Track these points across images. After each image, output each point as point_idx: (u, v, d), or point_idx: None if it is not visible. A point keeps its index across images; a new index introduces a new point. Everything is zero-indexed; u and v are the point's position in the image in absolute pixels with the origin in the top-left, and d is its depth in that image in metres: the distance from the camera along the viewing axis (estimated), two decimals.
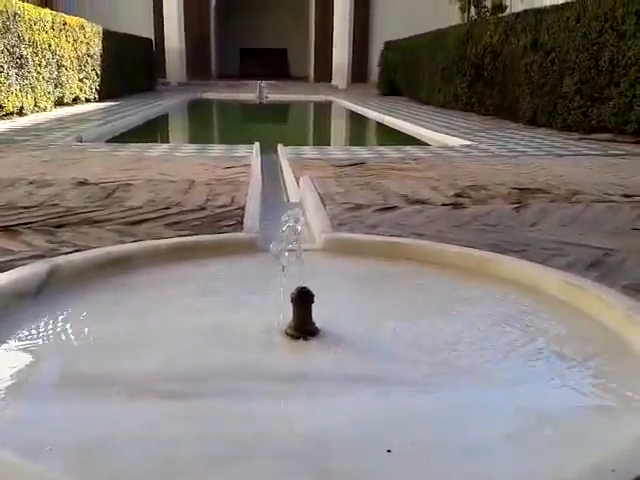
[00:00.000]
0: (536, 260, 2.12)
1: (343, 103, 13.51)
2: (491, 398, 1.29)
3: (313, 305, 1.47)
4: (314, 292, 1.47)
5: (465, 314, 1.68)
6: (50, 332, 1.53)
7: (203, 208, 3.00)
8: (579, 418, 1.23)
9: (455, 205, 3.15)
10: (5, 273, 1.76)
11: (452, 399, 1.27)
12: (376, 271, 2.02)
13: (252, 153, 5.08)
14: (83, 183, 3.57)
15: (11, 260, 2.11)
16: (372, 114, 10.62)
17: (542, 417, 1.20)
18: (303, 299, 1.46)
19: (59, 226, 2.60)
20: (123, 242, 2.32)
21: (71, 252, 2.15)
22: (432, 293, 1.86)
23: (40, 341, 1.49)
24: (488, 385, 1.33)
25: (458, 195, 3.41)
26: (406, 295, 1.85)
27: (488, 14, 15.70)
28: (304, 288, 1.46)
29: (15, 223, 2.63)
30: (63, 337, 1.51)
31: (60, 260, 1.89)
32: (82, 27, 10.74)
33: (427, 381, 1.33)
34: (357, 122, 10.97)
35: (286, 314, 1.49)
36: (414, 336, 1.54)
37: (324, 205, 3.04)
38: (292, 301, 1.47)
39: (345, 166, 4.46)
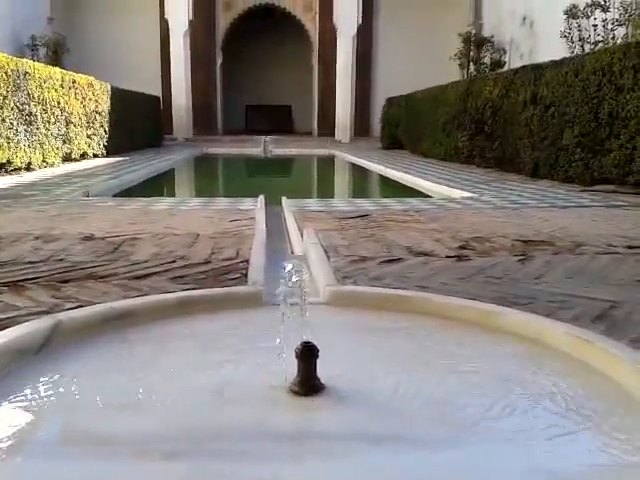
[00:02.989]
0: (542, 313, 2.11)
1: (346, 157, 13.69)
2: (499, 456, 1.26)
3: (318, 360, 1.46)
4: (319, 347, 1.45)
5: (471, 369, 1.66)
6: (52, 389, 1.51)
7: (208, 261, 3.01)
8: (591, 477, 1.20)
9: (459, 257, 3.15)
10: (8, 330, 1.75)
11: (459, 457, 1.24)
12: (381, 325, 2.01)
13: (257, 206, 5.13)
14: (89, 238, 3.59)
15: (16, 316, 2.11)
16: (375, 167, 10.76)
17: (554, 476, 1.17)
18: (308, 354, 1.45)
19: (64, 281, 2.61)
20: (127, 297, 2.32)
21: (75, 307, 2.14)
22: (438, 347, 1.84)
23: (42, 399, 1.47)
24: (496, 443, 1.30)
25: (462, 247, 3.41)
26: (411, 349, 1.83)
27: (487, 70, 16.08)
28: (308, 343, 1.45)
29: (21, 278, 2.64)
30: (66, 394, 1.49)
31: (63, 316, 1.89)
32: (91, 85, 11.03)
33: (434, 439, 1.30)
34: (360, 175, 11.10)
35: (290, 370, 1.47)
36: (420, 392, 1.51)
37: (328, 258, 3.04)
38: (297, 356, 1.45)
39: (349, 218, 4.49)
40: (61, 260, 3.00)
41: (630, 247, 3.43)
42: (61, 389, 1.52)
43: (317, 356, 1.45)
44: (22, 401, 1.46)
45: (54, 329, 1.76)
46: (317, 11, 20.93)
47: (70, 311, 2.02)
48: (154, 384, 1.57)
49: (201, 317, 2.04)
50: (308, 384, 1.45)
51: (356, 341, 1.92)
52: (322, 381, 1.47)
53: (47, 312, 2.12)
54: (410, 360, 1.74)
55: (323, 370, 1.47)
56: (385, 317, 2.05)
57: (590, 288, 2.56)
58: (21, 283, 2.56)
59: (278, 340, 1.50)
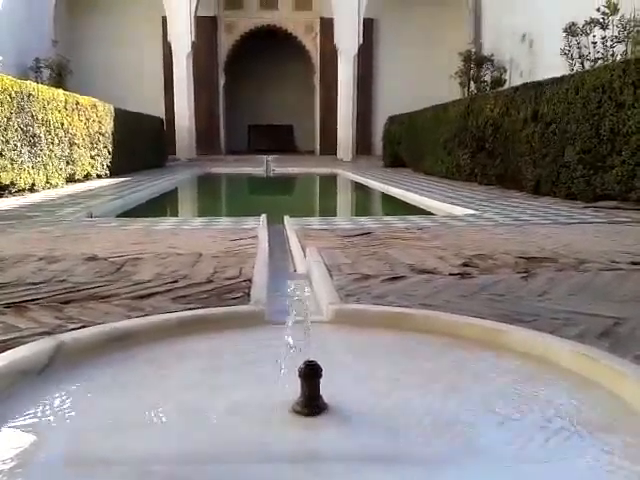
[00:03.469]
0: (546, 330, 2.10)
1: (348, 175, 13.74)
2: (503, 477, 1.25)
3: (321, 379, 1.45)
4: (322, 366, 1.45)
5: (476, 387, 1.65)
6: (55, 411, 1.51)
7: (210, 281, 3.01)
8: None
9: (462, 275, 3.15)
10: (10, 351, 1.75)
11: (464, 478, 1.23)
12: (385, 343, 2.00)
13: (259, 225, 5.13)
14: (92, 258, 3.60)
15: (19, 337, 2.10)
16: (377, 185, 10.78)
17: None
18: (311, 374, 1.44)
19: (67, 302, 2.61)
20: (130, 317, 2.32)
21: (77, 328, 2.14)
22: (442, 365, 1.83)
23: (45, 420, 1.47)
24: (500, 463, 1.29)
25: (465, 264, 3.41)
26: (415, 368, 1.82)
27: (488, 88, 16.18)
28: (312, 362, 1.45)
29: (23, 299, 2.64)
30: (68, 416, 1.49)
31: (66, 337, 1.88)
32: (94, 106, 11.12)
33: (440, 460, 1.29)
34: (362, 193, 11.13)
35: (293, 389, 1.46)
36: (425, 411, 1.50)
37: (331, 276, 3.04)
38: (300, 376, 1.45)
39: (351, 236, 4.49)
40: (63, 281, 3.00)
41: (634, 263, 3.42)
42: (64, 410, 1.51)
43: (320, 376, 1.44)
44: (24, 422, 1.45)
45: (57, 350, 1.76)
46: (318, 32, 21.16)
47: (73, 332, 2.02)
48: (156, 405, 1.56)
49: (203, 337, 2.03)
50: (311, 404, 1.44)
51: (359, 360, 1.91)
52: (325, 400, 1.47)
53: (49, 333, 2.12)
54: (415, 379, 1.73)
55: (326, 389, 1.46)
56: (389, 335, 2.04)
57: (594, 305, 2.55)
58: (23, 304, 2.56)
59: (281, 359, 1.49)
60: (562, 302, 2.60)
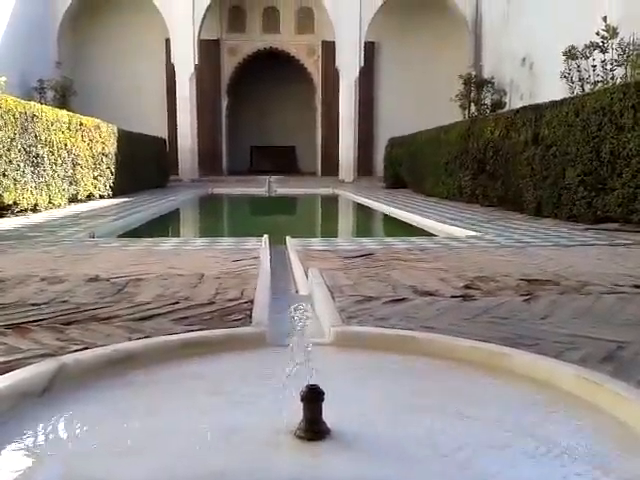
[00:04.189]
0: (549, 354, 2.09)
1: (350, 196, 13.78)
2: None
3: (323, 403, 1.44)
4: (324, 389, 1.44)
5: (479, 413, 1.64)
6: (55, 433, 1.50)
7: (212, 302, 3.00)
8: None
9: (465, 297, 3.14)
10: (11, 373, 1.74)
11: None
12: (387, 367, 1.99)
13: (261, 245, 5.14)
14: (94, 279, 3.60)
15: (20, 359, 2.10)
16: (378, 206, 10.81)
17: None
18: (313, 397, 1.43)
19: (68, 323, 2.60)
20: (130, 339, 2.31)
21: (79, 350, 2.13)
22: (445, 389, 1.82)
23: (44, 442, 1.46)
24: None
25: (467, 287, 3.40)
26: (418, 391, 1.81)
27: (488, 111, 16.29)
28: (314, 386, 1.44)
29: (25, 320, 2.63)
30: (68, 439, 1.48)
31: (67, 359, 1.88)
32: (98, 127, 11.19)
33: None
34: (364, 214, 11.15)
35: (296, 413, 1.45)
36: (428, 438, 1.49)
37: (333, 298, 3.04)
38: (302, 399, 1.44)
39: (353, 257, 4.49)
40: (65, 302, 3.00)
41: (636, 286, 3.41)
42: (63, 433, 1.50)
43: (322, 399, 1.43)
44: (24, 444, 1.44)
45: (58, 372, 1.75)
46: (320, 55, 21.38)
47: (74, 354, 2.01)
48: (157, 428, 1.55)
49: (205, 359, 2.02)
50: (313, 429, 1.43)
51: (362, 383, 1.90)
52: (328, 425, 1.45)
53: (51, 355, 2.11)
54: (417, 403, 1.72)
55: (329, 413, 1.45)
56: (391, 358, 2.03)
57: (597, 328, 2.54)
58: (25, 325, 2.56)
59: (283, 382, 1.49)
60: (565, 325, 2.59)
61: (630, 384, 1.73)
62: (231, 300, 3.04)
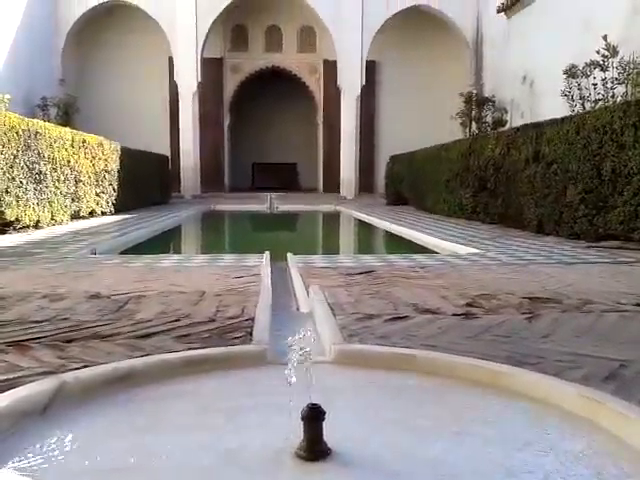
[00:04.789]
0: (551, 373, 2.08)
1: (351, 213, 13.80)
2: None
3: (324, 422, 1.43)
4: (325, 408, 1.43)
5: (481, 432, 1.63)
6: (55, 452, 1.49)
7: (213, 320, 3.00)
8: None
9: (466, 315, 3.13)
10: (11, 391, 1.74)
11: None
12: (388, 385, 1.98)
13: (262, 262, 5.14)
14: (95, 296, 3.59)
15: (20, 377, 2.09)
16: (379, 223, 10.82)
17: None
18: (314, 417, 1.42)
19: (69, 341, 2.60)
20: (131, 357, 2.31)
21: (79, 368, 2.13)
22: (446, 409, 1.81)
23: (45, 461, 1.45)
24: None
25: (469, 304, 3.39)
26: (420, 411, 1.80)
27: (489, 129, 16.35)
28: (315, 405, 1.43)
29: (26, 338, 2.63)
30: (68, 457, 1.47)
31: (67, 377, 1.87)
32: (101, 145, 11.25)
33: None
34: (365, 231, 11.16)
35: (296, 432, 1.45)
36: (429, 458, 1.48)
37: (334, 315, 3.03)
38: (302, 419, 1.43)
39: (354, 274, 4.49)
40: (66, 319, 2.99)
41: (638, 304, 3.40)
42: (64, 451, 1.49)
43: (323, 419, 1.43)
44: (25, 463, 1.44)
45: (58, 390, 1.75)
46: (321, 73, 21.53)
47: (74, 372, 2.01)
48: (157, 447, 1.54)
49: (205, 377, 2.02)
50: (314, 448, 1.42)
51: (363, 402, 1.89)
52: (329, 444, 1.45)
53: (51, 372, 2.11)
54: (419, 423, 1.71)
55: (330, 432, 1.45)
56: (392, 377, 2.02)
57: (599, 347, 2.53)
58: (26, 343, 2.55)
59: (284, 401, 1.48)
60: (567, 344, 2.58)
61: (632, 403, 1.72)
62: (232, 318, 3.04)
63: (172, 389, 1.92)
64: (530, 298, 3.57)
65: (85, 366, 2.15)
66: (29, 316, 3.05)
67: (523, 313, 3.18)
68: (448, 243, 7.03)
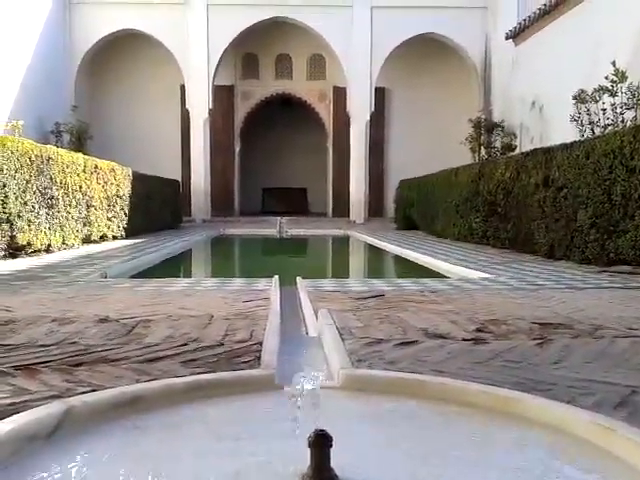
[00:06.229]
0: (563, 399, 2.05)
1: (361, 237, 13.81)
2: None
3: (332, 449, 1.42)
4: (332, 435, 1.42)
5: (491, 460, 1.60)
6: (62, 478, 1.48)
7: (221, 344, 2.99)
8: None
9: (476, 340, 3.11)
10: (17, 415, 1.73)
11: None
12: (397, 411, 1.96)
13: (271, 286, 5.14)
14: (104, 320, 3.60)
15: (28, 400, 2.09)
16: (389, 247, 10.80)
17: None
18: (321, 443, 1.41)
19: (77, 365, 2.60)
20: (138, 381, 2.30)
21: (87, 392, 2.12)
22: (456, 436, 1.78)
23: None
24: None
25: (479, 330, 3.37)
26: (428, 437, 1.78)
27: (498, 154, 16.38)
28: (322, 431, 1.42)
29: (34, 362, 2.63)
30: None
31: (75, 401, 1.87)
32: (113, 170, 11.37)
33: None
34: (375, 255, 11.14)
35: (303, 459, 1.43)
36: None
37: (343, 340, 3.01)
38: (309, 445, 1.42)
39: (364, 299, 4.47)
40: (74, 343, 3.00)
41: None
42: (70, 477, 1.48)
43: (331, 445, 1.41)
44: None
45: (66, 414, 1.74)
46: (331, 99, 21.73)
47: (82, 396, 2.00)
48: (164, 473, 1.53)
49: (213, 402, 2.01)
50: (321, 476, 1.40)
51: (371, 428, 1.87)
52: (336, 471, 1.43)
53: (59, 396, 2.10)
54: (428, 450, 1.68)
55: (337, 459, 1.43)
56: (401, 403, 2.00)
57: (610, 373, 2.49)
58: (34, 366, 2.56)
59: (291, 427, 1.47)
60: (578, 370, 2.55)
61: None
62: (240, 342, 3.03)
63: (179, 413, 1.91)
64: (541, 323, 3.53)
65: (92, 390, 2.15)
66: (38, 340, 3.06)
67: (534, 339, 3.14)
68: (459, 267, 7.00)
